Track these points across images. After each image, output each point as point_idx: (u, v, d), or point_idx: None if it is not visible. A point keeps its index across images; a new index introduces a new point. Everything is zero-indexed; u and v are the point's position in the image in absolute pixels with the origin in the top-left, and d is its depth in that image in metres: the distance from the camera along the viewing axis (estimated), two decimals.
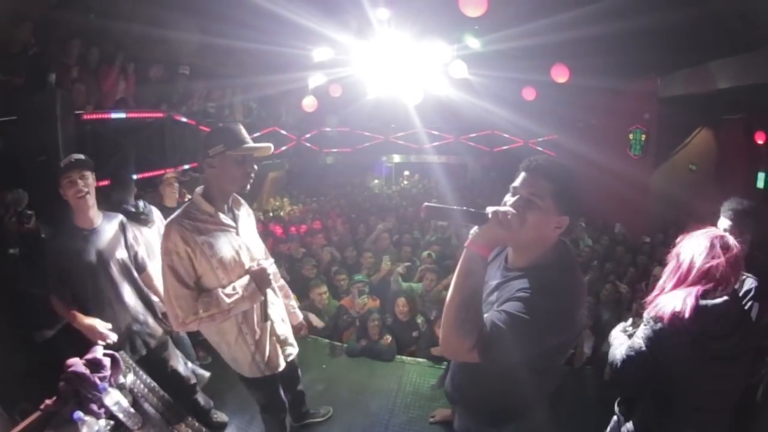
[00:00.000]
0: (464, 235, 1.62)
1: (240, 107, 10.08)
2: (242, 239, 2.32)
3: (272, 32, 7.79)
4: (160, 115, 6.64)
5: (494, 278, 1.72)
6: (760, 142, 8.86)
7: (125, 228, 2.93)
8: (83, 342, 2.41)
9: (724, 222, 2.41)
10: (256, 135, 9.91)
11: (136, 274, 2.91)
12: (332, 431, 3.39)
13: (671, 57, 7.57)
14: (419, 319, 4.80)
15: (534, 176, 1.55)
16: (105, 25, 6.08)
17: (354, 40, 7.88)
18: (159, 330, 2.96)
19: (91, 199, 2.70)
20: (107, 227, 2.81)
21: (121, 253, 2.83)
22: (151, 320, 2.91)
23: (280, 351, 2.52)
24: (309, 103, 9.92)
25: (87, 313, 2.65)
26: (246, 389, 2.62)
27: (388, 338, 4.43)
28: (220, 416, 3.41)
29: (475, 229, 1.53)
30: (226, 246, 2.20)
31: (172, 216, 2.14)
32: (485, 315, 1.49)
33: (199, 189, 2.22)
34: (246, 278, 2.23)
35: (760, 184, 8.96)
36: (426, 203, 1.51)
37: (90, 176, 2.70)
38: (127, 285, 2.83)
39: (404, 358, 4.40)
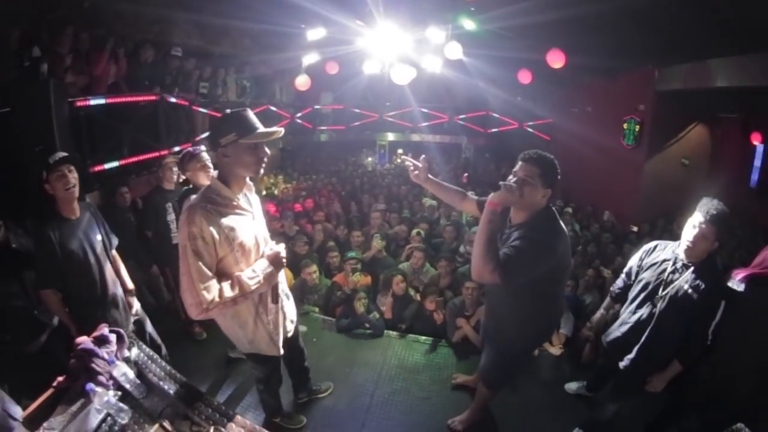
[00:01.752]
0: (456, 216, 2.76)
1: (233, 86, 10.20)
2: (257, 222, 2.43)
3: (265, 10, 7.99)
4: (153, 97, 6.76)
5: (502, 231, 2.60)
6: (756, 142, 9.21)
7: (97, 214, 3.23)
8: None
9: (698, 218, 2.54)
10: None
11: (108, 251, 3.23)
12: (320, 402, 3.69)
13: (671, 51, 7.70)
14: (411, 292, 5.09)
15: (528, 164, 2.44)
16: (96, 8, 6.22)
17: (348, 19, 7.97)
18: (136, 303, 3.46)
19: (77, 191, 2.96)
20: (86, 215, 3.10)
21: (100, 237, 3.15)
22: (125, 294, 3.33)
23: (289, 327, 2.79)
24: (302, 82, 10.01)
25: (79, 296, 3.01)
26: (252, 366, 2.87)
27: (377, 315, 4.74)
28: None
29: (492, 194, 2.34)
30: (245, 229, 2.27)
31: (193, 201, 2.17)
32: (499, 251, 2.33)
33: (214, 173, 2.28)
34: (264, 261, 2.35)
35: (754, 184, 9.35)
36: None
37: (75, 170, 2.95)
38: (108, 264, 3.17)
39: (391, 332, 4.69)
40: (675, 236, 7.43)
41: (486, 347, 3.25)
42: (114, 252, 3.34)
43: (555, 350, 4.56)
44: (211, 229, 2.12)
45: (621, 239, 7.94)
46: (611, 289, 3.37)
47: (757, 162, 9.40)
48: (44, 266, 2.88)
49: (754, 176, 9.52)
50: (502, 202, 2.33)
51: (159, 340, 3.65)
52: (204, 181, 4.18)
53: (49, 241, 2.84)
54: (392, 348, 4.45)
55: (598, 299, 5.33)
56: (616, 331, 3.01)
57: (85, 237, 3.01)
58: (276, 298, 2.57)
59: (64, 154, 2.99)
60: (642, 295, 2.87)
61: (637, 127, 9.19)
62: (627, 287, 3.15)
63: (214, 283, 2.11)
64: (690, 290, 2.61)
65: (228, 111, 2.25)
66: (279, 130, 2.28)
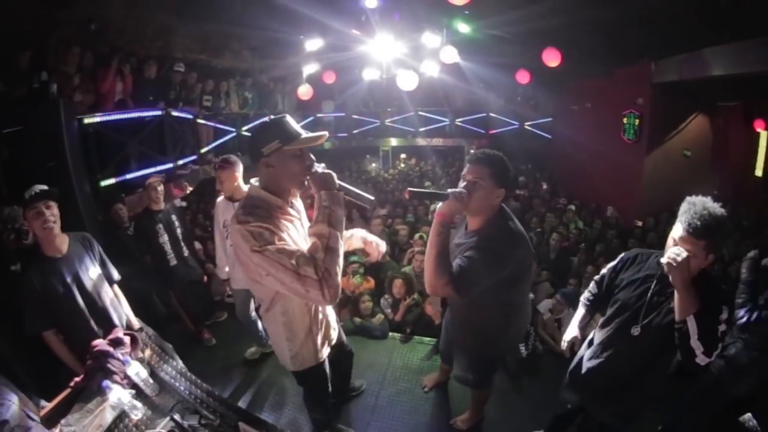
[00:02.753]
0: (458, 219, 2.47)
1: (236, 98, 10.37)
2: (304, 228, 2.28)
3: (264, 21, 8.13)
4: (159, 112, 6.96)
5: (459, 239, 2.47)
6: (759, 129, 9.16)
7: (91, 244, 2.99)
8: None
9: (679, 231, 1.98)
10: (252, 125, 10.31)
11: (107, 286, 2.98)
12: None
13: (666, 42, 7.76)
14: (416, 296, 5.07)
15: (476, 165, 2.31)
16: (100, 27, 6.36)
17: (346, 27, 8.11)
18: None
19: (57, 228, 2.73)
20: (74, 249, 2.85)
21: (93, 271, 2.90)
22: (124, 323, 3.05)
23: (333, 335, 2.64)
24: (304, 91, 10.16)
25: (72, 338, 2.74)
26: (298, 383, 2.71)
27: (380, 317, 4.81)
28: None
29: (440, 203, 2.24)
30: (297, 235, 2.11)
31: (241, 214, 1.95)
32: (453, 262, 2.22)
33: (255, 182, 2.13)
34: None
35: (759, 172, 9.33)
36: (409, 188, 2.25)
37: (54, 206, 2.72)
38: (105, 300, 2.91)
39: (395, 334, 4.75)
40: None
41: (457, 353, 3.13)
42: (116, 288, 3.11)
43: (560, 348, 4.59)
44: (271, 225, 1.93)
45: (625, 235, 7.96)
46: (581, 299, 2.72)
47: (762, 149, 9.35)
48: (31, 311, 2.67)
49: (759, 164, 9.44)
50: (450, 212, 2.23)
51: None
52: (156, 202, 4.40)
53: (30, 284, 2.63)
54: (397, 350, 4.51)
55: None
56: (585, 364, 2.48)
57: (72, 275, 2.78)
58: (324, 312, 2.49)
59: (43, 187, 2.73)
60: (617, 321, 2.29)
61: (637, 121, 9.22)
62: (598, 298, 2.57)
63: (302, 252, 1.87)
64: None
65: (268, 118, 2.16)
66: (324, 134, 2.11)
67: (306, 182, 2.07)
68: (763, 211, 8.46)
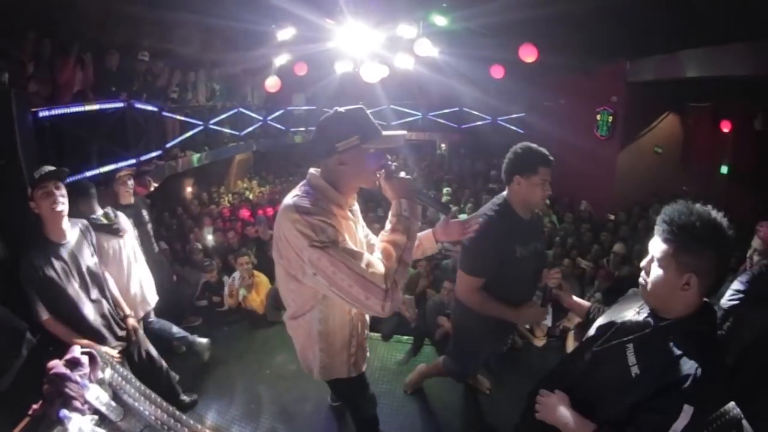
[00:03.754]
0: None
1: (203, 89, 10.09)
2: (362, 231, 2.19)
3: (235, 8, 7.91)
4: (121, 105, 6.62)
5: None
6: (726, 129, 9.75)
7: (90, 233, 2.95)
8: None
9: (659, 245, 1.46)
10: (220, 117, 10.06)
11: (100, 276, 2.95)
12: (306, 409, 3.69)
13: (642, 43, 7.97)
14: None
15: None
16: (60, 12, 6.06)
17: (319, 17, 7.92)
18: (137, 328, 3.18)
19: (65, 210, 2.69)
20: (76, 236, 2.82)
21: (90, 260, 2.87)
22: (116, 315, 3.03)
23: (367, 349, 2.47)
24: (272, 84, 9.98)
25: (62, 320, 2.69)
26: (334, 390, 2.71)
27: None
28: (190, 396, 3.72)
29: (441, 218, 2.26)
30: (354, 238, 1.98)
31: (299, 205, 1.79)
32: None
33: (316, 172, 1.98)
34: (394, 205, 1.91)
35: (724, 170, 9.96)
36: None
37: (63, 187, 2.67)
38: (97, 288, 2.88)
39: (373, 335, 4.63)
40: (651, 222, 7.61)
41: (449, 344, 3.35)
42: (107, 275, 3.09)
43: (538, 341, 4.68)
44: (335, 222, 1.79)
45: (598, 228, 8.12)
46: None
47: (728, 148, 9.93)
48: (34, 296, 2.62)
49: (725, 162, 10.09)
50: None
51: (157, 356, 3.43)
52: (125, 197, 4.15)
53: (32, 267, 2.58)
54: (375, 350, 4.44)
55: (577, 289, 5.47)
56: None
57: (72, 262, 2.74)
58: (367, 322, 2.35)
59: (51, 168, 2.66)
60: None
61: (610, 118, 9.49)
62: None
63: (370, 257, 1.74)
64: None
65: (342, 109, 1.93)
66: (403, 133, 2.02)
67: (377, 184, 1.93)
68: (729, 207, 8.68)
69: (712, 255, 1.35)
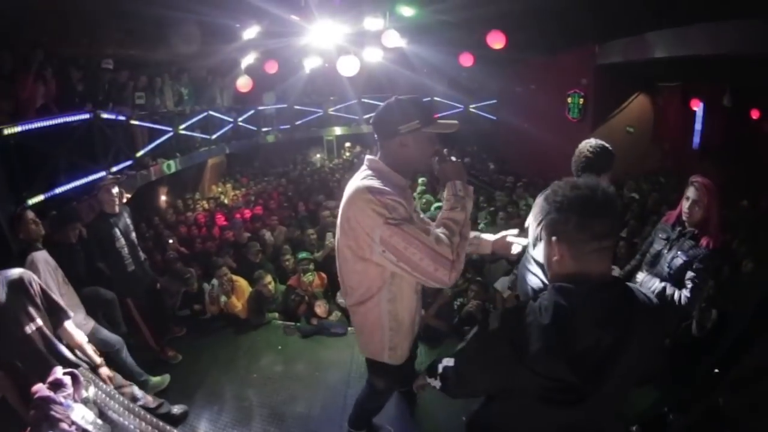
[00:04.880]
0: None
1: (170, 94, 9.93)
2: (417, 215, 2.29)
3: (199, 7, 7.64)
4: (86, 116, 6.52)
5: None
6: (695, 108, 10.25)
7: (30, 285, 2.57)
8: None
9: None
10: (190, 122, 9.99)
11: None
12: (295, 409, 3.75)
13: (610, 26, 8.12)
14: None
15: None
16: (19, 24, 5.97)
17: (284, 13, 7.84)
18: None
19: None
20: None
21: (33, 311, 2.53)
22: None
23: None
24: (243, 83, 9.93)
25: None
26: (374, 376, 2.66)
27: (338, 314, 4.83)
28: (180, 408, 3.70)
29: None
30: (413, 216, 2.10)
31: (370, 186, 1.96)
32: None
33: (374, 157, 2.15)
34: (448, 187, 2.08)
35: (696, 146, 10.49)
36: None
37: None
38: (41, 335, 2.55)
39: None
40: (625, 200, 7.82)
41: None
42: (67, 325, 2.73)
43: None
44: (404, 202, 1.96)
45: None
46: None
47: (698, 126, 10.41)
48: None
49: (696, 139, 10.62)
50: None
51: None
52: (110, 205, 4.09)
53: None
54: (358, 345, 4.48)
55: None
56: None
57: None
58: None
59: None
60: None
61: (581, 101, 9.73)
62: None
63: (436, 232, 1.91)
64: None
65: (402, 96, 2.11)
66: (455, 122, 2.12)
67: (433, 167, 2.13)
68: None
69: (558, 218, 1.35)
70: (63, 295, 3.30)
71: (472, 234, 2.53)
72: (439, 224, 1.97)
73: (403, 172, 2.12)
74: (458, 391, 1.78)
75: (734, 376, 2.99)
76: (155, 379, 4.00)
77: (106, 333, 3.75)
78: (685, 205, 3.10)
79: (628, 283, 1.45)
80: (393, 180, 2.07)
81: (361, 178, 2.05)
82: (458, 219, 1.96)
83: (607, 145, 2.87)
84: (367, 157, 2.16)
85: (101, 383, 2.34)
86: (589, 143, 2.97)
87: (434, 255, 1.82)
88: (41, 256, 3.37)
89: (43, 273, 3.25)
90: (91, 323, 3.65)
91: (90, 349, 2.81)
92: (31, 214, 3.47)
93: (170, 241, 7.64)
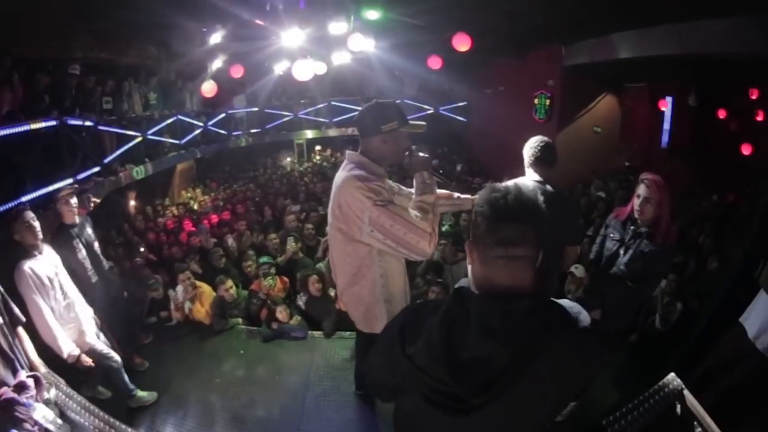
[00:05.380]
0: None
1: (139, 98, 10.00)
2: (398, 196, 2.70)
3: (170, 12, 7.89)
4: (53, 122, 6.61)
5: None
6: (663, 108, 10.76)
7: None
8: None
9: None
10: (158, 127, 10.08)
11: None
12: (255, 412, 3.90)
13: (576, 27, 8.34)
14: (332, 293, 5.14)
15: None
16: None
17: (251, 17, 7.93)
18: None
19: None
20: None
21: None
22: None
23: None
24: (208, 89, 9.97)
25: None
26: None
27: (298, 318, 4.96)
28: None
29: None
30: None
31: (357, 174, 2.37)
32: None
33: (359, 152, 2.53)
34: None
35: (664, 144, 11.00)
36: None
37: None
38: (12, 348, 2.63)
39: (314, 333, 4.90)
40: (592, 199, 8.09)
41: None
42: (19, 330, 2.83)
43: None
44: (384, 191, 2.37)
45: None
46: None
47: (666, 125, 10.90)
48: None
49: (665, 138, 11.11)
50: None
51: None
52: (69, 216, 4.08)
53: None
54: (318, 348, 4.67)
55: None
56: None
57: None
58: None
59: None
60: None
61: (548, 102, 10.02)
62: None
63: (413, 211, 2.33)
64: None
65: (381, 100, 2.55)
66: (424, 123, 2.60)
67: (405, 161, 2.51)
68: (670, 180, 9.35)
69: (473, 220, 1.37)
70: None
71: (455, 194, 3.12)
72: (414, 207, 2.36)
73: (381, 164, 2.52)
74: (373, 389, 1.94)
75: (699, 371, 3.21)
76: (141, 394, 4.10)
77: (106, 350, 3.85)
78: (636, 202, 3.23)
79: (557, 302, 1.39)
80: (374, 170, 2.45)
81: (348, 170, 2.43)
82: (429, 201, 2.35)
83: (550, 140, 3.21)
84: (348, 152, 2.57)
85: (62, 385, 2.56)
86: (534, 139, 3.33)
87: (415, 229, 2.26)
88: (34, 269, 3.32)
89: (29, 288, 3.26)
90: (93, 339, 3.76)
91: (34, 355, 2.85)
92: (29, 215, 3.40)
93: (141, 249, 7.77)
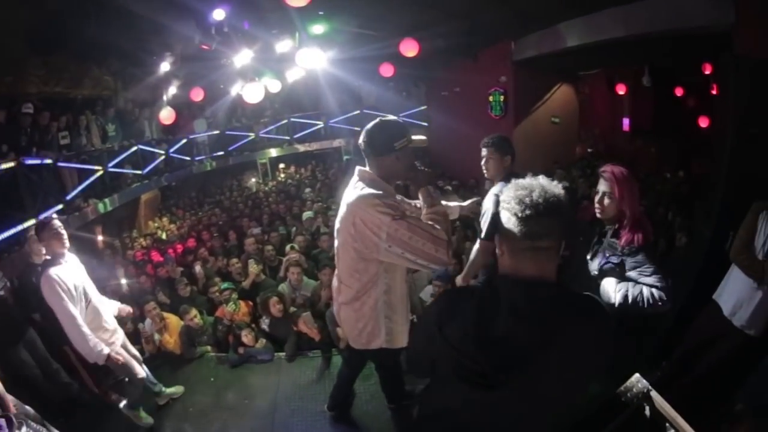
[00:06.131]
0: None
1: (96, 131, 10.09)
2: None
3: (122, 41, 8.02)
4: (11, 164, 6.74)
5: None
6: (621, 92, 11.32)
7: None
8: None
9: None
10: (119, 158, 10.13)
11: None
12: None
13: (523, 22, 8.64)
14: (292, 310, 5.37)
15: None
16: None
17: (199, 40, 7.99)
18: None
19: None
20: None
21: None
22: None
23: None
24: (166, 115, 10.03)
25: None
26: (378, 361, 3.24)
27: (263, 341, 5.12)
28: None
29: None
30: None
31: (373, 193, 2.43)
32: None
33: (367, 169, 2.59)
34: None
35: (626, 128, 11.50)
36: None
37: None
38: None
39: (280, 354, 5.07)
40: None
41: None
42: None
43: None
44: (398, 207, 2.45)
45: None
46: None
47: (626, 109, 11.43)
48: None
49: (626, 121, 11.69)
50: None
51: None
52: (38, 255, 4.19)
53: None
54: (284, 369, 4.85)
55: None
56: None
57: None
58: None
59: None
60: None
61: (502, 98, 10.32)
62: None
63: (428, 222, 2.41)
64: None
65: (389, 118, 2.61)
66: (425, 137, 2.70)
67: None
68: (634, 162, 9.84)
69: (501, 215, 1.56)
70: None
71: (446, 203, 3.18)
72: (427, 219, 2.45)
73: (391, 182, 2.59)
74: (412, 366, 2.21)
75: (677, 354, 3.39)
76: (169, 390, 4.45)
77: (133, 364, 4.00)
78: (596, 198, 2.92)
79: (578, 292, 1.58)
80: (384, 188, 2.50)
81: (360, 189, 2.47)
82: (440, 211, 2.50)
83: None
84: (359, 168, 2.62)
85: (32, 423, 2.76)
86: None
87: (434, 238, 2.30)
88: (60, 275, 3.45)
89: (57, 294, 3.40)
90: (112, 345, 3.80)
91: (5, 394, 3.06)
92: (57, 223, 3.59)
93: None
